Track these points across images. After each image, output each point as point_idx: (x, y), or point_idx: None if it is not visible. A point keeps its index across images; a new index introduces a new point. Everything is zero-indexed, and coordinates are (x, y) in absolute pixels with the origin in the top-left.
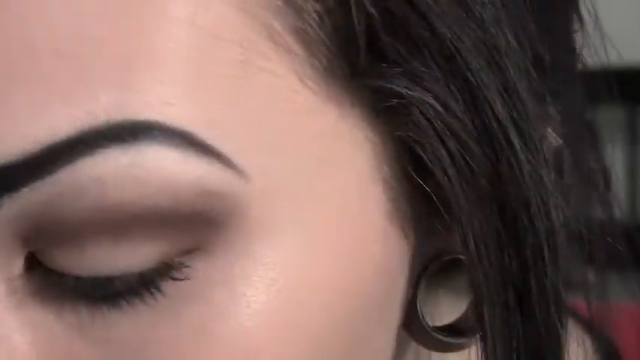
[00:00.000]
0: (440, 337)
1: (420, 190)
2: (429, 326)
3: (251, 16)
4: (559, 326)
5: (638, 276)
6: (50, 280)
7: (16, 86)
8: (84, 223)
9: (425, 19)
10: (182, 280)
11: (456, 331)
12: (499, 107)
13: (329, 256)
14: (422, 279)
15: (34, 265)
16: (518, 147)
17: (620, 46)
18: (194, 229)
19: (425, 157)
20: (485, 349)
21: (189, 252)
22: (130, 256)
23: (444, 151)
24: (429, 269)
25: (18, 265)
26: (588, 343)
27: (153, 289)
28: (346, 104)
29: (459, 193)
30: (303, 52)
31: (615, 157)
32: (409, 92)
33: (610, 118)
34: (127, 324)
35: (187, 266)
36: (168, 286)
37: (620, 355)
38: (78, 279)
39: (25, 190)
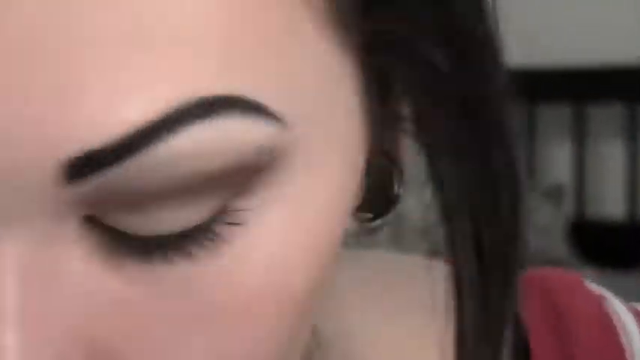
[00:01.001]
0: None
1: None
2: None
3: None
4: (523, 232)
5: (636, 274)
6: (106, 237)
7: (103, 73)
8: (154, 191)
9: None
10: (236, 224)
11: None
12: (478, 35)
13: (335, 185)
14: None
15: (89, 223)
16: (491, 72)
17: (620, 45)
18: (244, 177)
19: (401, 86)
20: (452, 246)
21: (238, 195)
22: (192, 212)
23: (419, 79)
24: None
25: (74, 222)
26: None
27: (211, 235)
28: (347, 46)
29: (431, 114)
30: (321, 5)
31: (615, 156)
32: (397, 29)
33: (610, 117)
34: (185, 271)
35: (238, 210)
36: (224, 229)
37: (525, 326)
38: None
39: (111, 169)
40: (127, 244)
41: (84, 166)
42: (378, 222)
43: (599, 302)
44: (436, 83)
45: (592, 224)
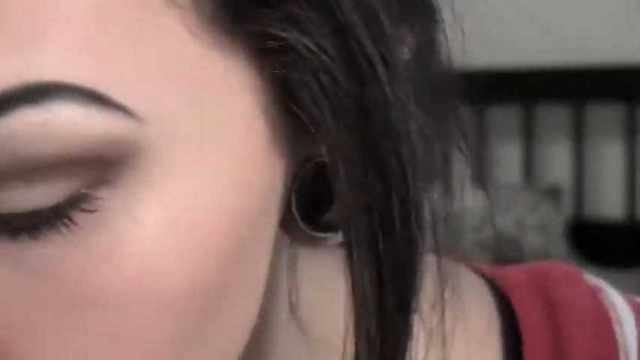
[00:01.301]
0: (309, 230)
1: (296, 118)
2: (299, 219)
3: None
4: (419, 242)
5: (636, 273)
6: None
7: None
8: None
9: None
10: (92, 211)
11: (326, 227)
12: (366, 42)
13: (219, 184)
14: (295, 180)
15: None
16: (383, 79)
17: (619, 45)
18: (100, 168)
19: (299, 91)
20: (350, 257)
21: (96, 185)
22: (43, 194)
23: (316, 86)
24: (301, 171)
25: None
26: (489, 299)
27: (66, 221)
28: (230, 48)
29: (328, 121)
30: (189, 5)
31: (614, 156)
32: (287, 34)
33: (608, 117)
34: (44, 253)
35: (95, 198)
36: (79, 217)
37: (516, 314)
38: None
39: None
40: None
41: None
42: (331, 235)
43: (595, 294)
44: (328, 89)
45: (591, 224)
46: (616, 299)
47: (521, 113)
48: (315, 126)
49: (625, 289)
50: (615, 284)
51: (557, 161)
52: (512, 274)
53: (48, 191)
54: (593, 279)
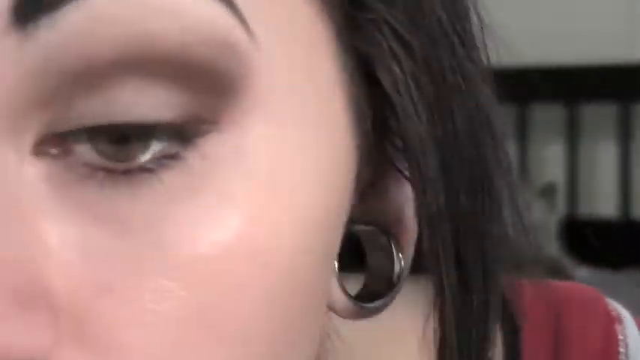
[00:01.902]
0: (360, 304)
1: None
2: (349, 295)
3: None
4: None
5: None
6: (60, 164)
7: None
8: (111, 60)
9: None
10: (203, 155)
11: (370, 296)
12: (448, 29)
13: (315, 161)
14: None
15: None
16: (467, 70)
17: (613, 44)
18: (209, 89)
19: (380, 75)
20: (440, 297)
21: (203, 123)
22: (155, 104)
23: (397, 70)
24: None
25: (29, 140)
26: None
27: (180, 150)
28: (327, 8)
29: (409, 110)
30: None
31: (608, 155)
32: (379, 8)
33: (603, 116)
34: (142, 210)
35: (204, 135)
36: (189, 154)
37: (520, 327)
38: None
39: (63, 9)
40: (89, 174)
41: (32, 2)
42: (379, 303)
43: (610, 325)
44: (413, 71)
45: (585, 222)
46: (631, 331)
47: (514, 112)
48: (397, 116)
49: (618, 288)
50: (609, 283)
51: (551, 160)
52: (529, 297)
53: (159, 104)
54: (616, 307)
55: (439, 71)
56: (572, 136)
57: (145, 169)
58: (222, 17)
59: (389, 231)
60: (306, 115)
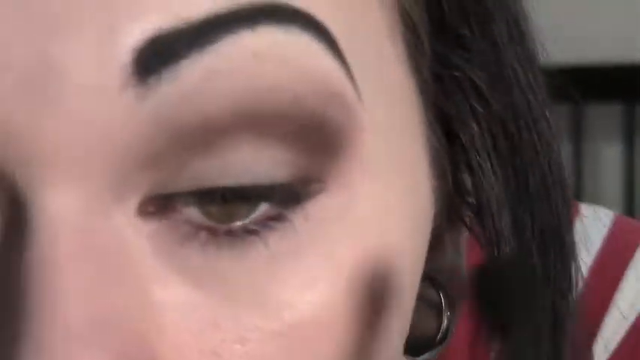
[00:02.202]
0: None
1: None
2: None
3: None
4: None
5: None
6: (163, 223)
7: None
8: (229, 115)
9: None
10: (309, 216)
11: (412, 350)
12: (523, 80)
13: (410, 213)
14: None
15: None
16: (542, 127)
17: (617, 44)
18: (319, 145)
19: (459, 130)
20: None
21: (312, 182)
22: (269, 165)
23: (475, 127)
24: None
25: (134, 200)
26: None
27: (289, 212)
28: (416, 65)
29: (486, 167)
30: (399, 5)
31: (612, 155)
32: (462, 64)
33: (607, 116)
34: (247, 263)
35: (311, 198)
36: (295, 219)
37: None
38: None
39: (185, 62)
40: (191, 233)
41: (156, 54)
42: (425, 356)
43: None
44: (491, 128)
45: None
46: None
47: None
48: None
49: None
50: None
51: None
52: None
53: (274, 164)
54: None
55: (515, 128)
56: (577, 136)
57: (248, 231)
58: (335, 71)
59: (441, 285)
60: (403, 171)
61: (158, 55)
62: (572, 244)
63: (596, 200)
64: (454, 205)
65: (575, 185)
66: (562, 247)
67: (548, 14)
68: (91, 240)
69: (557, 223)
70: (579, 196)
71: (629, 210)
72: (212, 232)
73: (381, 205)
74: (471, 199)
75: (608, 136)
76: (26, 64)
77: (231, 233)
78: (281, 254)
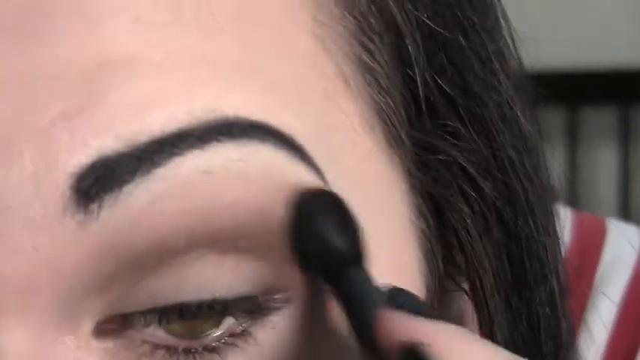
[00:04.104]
0: None
1: (438, 243)
2: None
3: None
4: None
5: None
6: (120, 342)
7: (140, 75)
8: (182, 238)
9: (466, 81)
10: (268, 328)
11: None
12: (518, 165)
13: None
14: None
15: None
16: (537, 216)
17: (614, 47)
18: (285, 255)
19: (449, 213)
20: None
21: (277, 293)
22: (232, 278)
23: (466, 209)
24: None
25: (88, 323)
26: None
27: (247, 335)
28: (395, 155)
29: (478, 248)
30: (371, 100)
31: (607, 158)
32: (449, 150)
33: (603, 120)
34: None
35: (276, 309)
36: (260, 333)
37: None
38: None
39: (128, 187)
40: (148, 353)
41: (97, 180)
42: None
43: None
44: (483, 212)
45: None
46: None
47: None
48: (464, 252)
49: None
50: None
51: (551, 164)
52: None
53: (243, 275)
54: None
55: (512, 214)
56: (573, 140)
57: (209, 349)
58: (303, 177)
59: None
60: (380, 265)
61: (99, 181)
62: (570, 332)
63: (591, 204)
64: (444, 287)
65: (570, 189)
66: (558, 338)
67: (544, 19)
68: None
69: (554, 313)
70: (574, 201)
71: (624, 214)
72: (170, 351)
73: None
74: (464, 281)
75: (603, 139)
76: None
77: (190, 352)
78: None
